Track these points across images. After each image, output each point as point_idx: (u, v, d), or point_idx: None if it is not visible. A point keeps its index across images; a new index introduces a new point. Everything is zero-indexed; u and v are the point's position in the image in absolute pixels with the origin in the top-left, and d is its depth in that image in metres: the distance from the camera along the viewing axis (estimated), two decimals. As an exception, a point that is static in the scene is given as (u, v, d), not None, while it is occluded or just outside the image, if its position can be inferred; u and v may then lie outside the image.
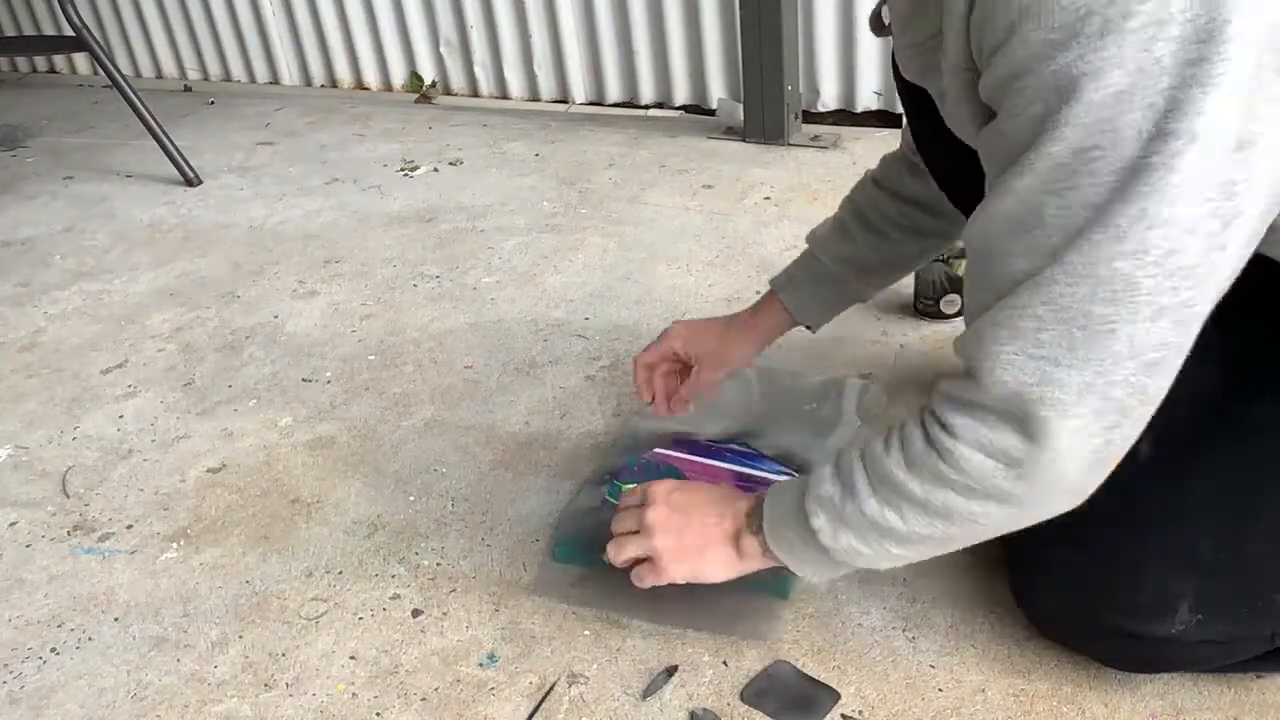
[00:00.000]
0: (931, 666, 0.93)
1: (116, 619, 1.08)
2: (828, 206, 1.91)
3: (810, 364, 1.36)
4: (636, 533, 0.92)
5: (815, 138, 2.21)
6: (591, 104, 2.66)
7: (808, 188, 1.98)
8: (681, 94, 2.53)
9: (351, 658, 1.00)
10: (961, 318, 1.43)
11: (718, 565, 0.89)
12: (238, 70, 3.15)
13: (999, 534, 0.75)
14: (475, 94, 2.82)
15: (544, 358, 1.49)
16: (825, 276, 1.10)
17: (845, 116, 2.35)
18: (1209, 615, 0.78)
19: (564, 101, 2.69)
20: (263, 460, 1.32)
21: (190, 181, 2.33)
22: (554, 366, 1.46)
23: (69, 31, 2.37)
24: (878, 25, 0.84)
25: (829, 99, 2.35)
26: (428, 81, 2.85)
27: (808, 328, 1.13)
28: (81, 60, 3.38)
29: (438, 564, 1.11)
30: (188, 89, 3.17)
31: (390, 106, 2.79)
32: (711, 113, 2.47)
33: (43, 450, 1.40)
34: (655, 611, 1.00)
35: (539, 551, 1.11)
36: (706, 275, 1.68)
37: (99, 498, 1.28)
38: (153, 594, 1.11)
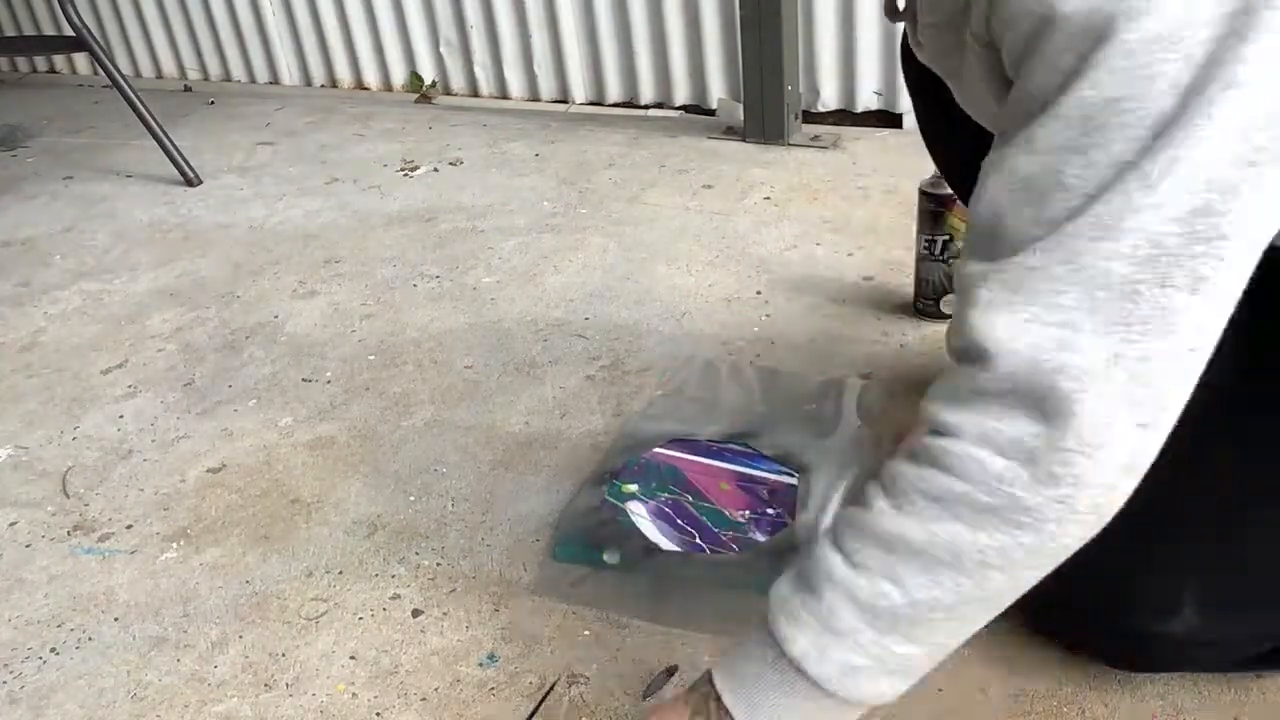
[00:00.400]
0: (931, 666, 0.93)
1: (116, 619, 1.08)
2: (828, 206, 1.91)
3: (810, 364, 1.36)
4: None
5: (815, 138, 2.21)
6: (591, 104, 2.66)
7: (808, 188, 1.98)
8: (681, 94, 2.53)
9: (351, 658, 1.00)
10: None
11: None
12: (238, 70, 3.15)
13: (1020, 588, 0.62)
14: (475, 94, 2.82)
15: (544, 358, 1.49)
16: None
17: (845, 116, 2.34)
18: (1213, 615, 0.77)
19: (564, 101, 2.69)
20: (263, 460, 1.32)
21: (190, 181, 2.33)
22: (554, 366, 1.46)
23: (69, 31, 2.37)
24: (892, 10, 0.81)
25: (829, 99, 2.35)
26: (428, 81, 2.85)
27: None
28: (81, 60, 3.38)
29: (438, 564, 1.11)
30: (188, 89, 3.17)
31: (390, 106, 2.79)
32: (711, 113, 2.47)
33: (43, 450, 1.40)
34: (655, 611, 1.00)
35: (539, 551, 1.11)
36: (706, 275, 1.68)
37: (99, 498, 1.28)
38: (153, 594, 1.11)
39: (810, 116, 2.33)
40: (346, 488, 1.25)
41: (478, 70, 2.77)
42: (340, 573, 1.11)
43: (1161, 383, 0.56)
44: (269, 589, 1.10)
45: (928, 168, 1.23)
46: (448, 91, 2.85)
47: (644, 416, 1.29)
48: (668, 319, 1.56)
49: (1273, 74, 0.52)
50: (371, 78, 2.95)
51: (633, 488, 1.13)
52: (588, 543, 1.07)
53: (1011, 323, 0.57)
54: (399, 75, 2.90)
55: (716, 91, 2.47)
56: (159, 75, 3.29)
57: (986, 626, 0.95)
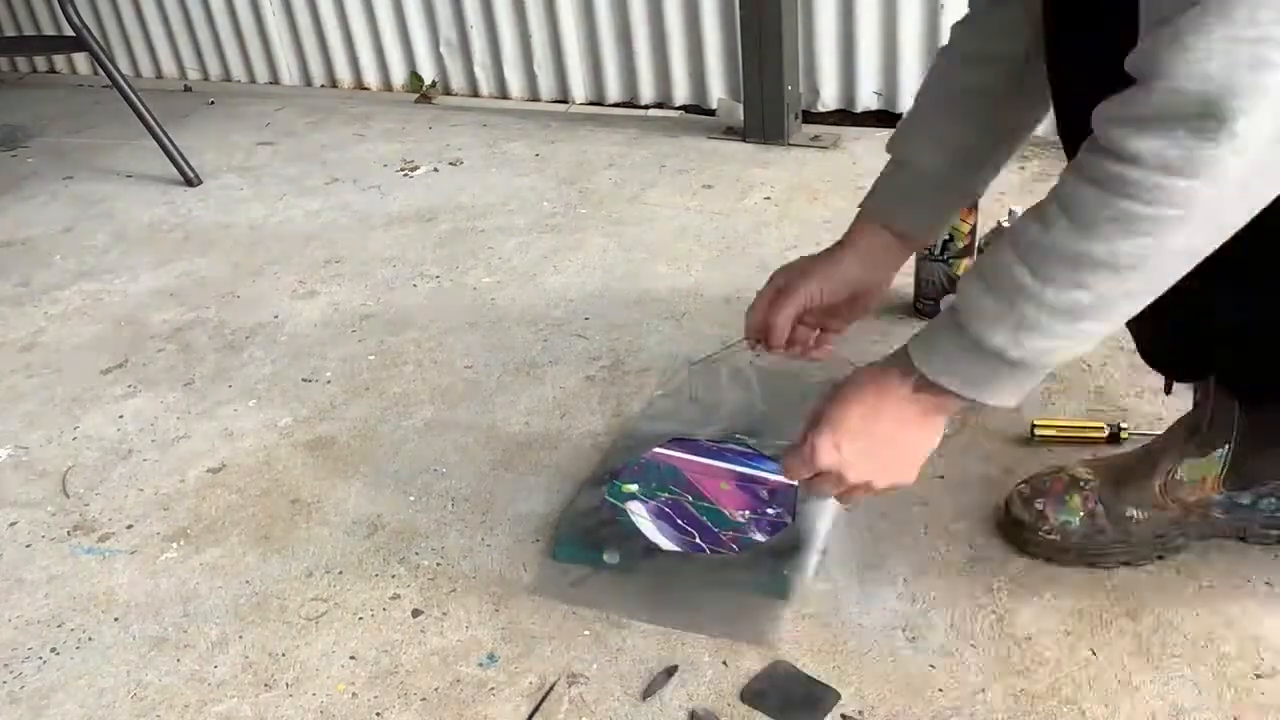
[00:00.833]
0: (931, 666, 0.93)
1: (116, 619, 1.08)
2: (828, 206, 1.91)
3: (810, 364, 1.35)
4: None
5: (815, 138, 2.21)
6: (591, 104, 2.66)
7: (808, 188, 1.98)
8: (681, 94, 2.53)
9: (351, 658, 1.00)
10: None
11: (933, 439, 0.83)
12: (238, 70, 3.15)
13: (1201, 254, 0.66)
14: (475, 94, 2.82)
15: (544, 358, 1.49)
16: (914, 176, 0.99)
17: (845, 116, 2.34)
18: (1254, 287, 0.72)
19: (564, 101, 2.69)
20: (263, 460, 1.32)
21: (190, 181, 2.33)
22: (554, 366, 1.46)
23: (69, 31, 2.37)
24: None
25: (829, 99, 2.35)
26: (428, 81, 2.85)
27: (919, 244, 1.00)
28: (81, 60, 3.38)
29: (438, 564, 1.11)
30: (188, 89, 3.17)
31: (390, 106, 2.79)
32: (711, 113, 2.47)
33: (43, 450, 1.40)
34: (655, 612, 1.00)
35: (539, 551, 1.11)
36: (706, 275, 1.68)
37: (99, 498, 1.28)
38: (153, 594, 1.11)
39: (810, 116, 2.33)
40: (346, 488, 1.25)
41: (478, 70, 2.77)
42: (340, 573, 1.11)
43: None
44: (269, 589, 1.10)
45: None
46: (448, 91, 2.85)
47: (644, 416, 1.29)
48: (668, 319, 1.56)
49: None
50: (371, 78, 2.95)
51: (633, 488, 1.13)
52: (588, 543, 1.07)
53: (1204, 46, 0.57)
54: (399, 75, 2.90)
55: (716, 91, 2.47)
56: (159, 75, 3.29)
57: (987, 626, 0.95)
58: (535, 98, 2.73)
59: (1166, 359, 0.92)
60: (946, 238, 1.37)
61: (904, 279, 1.51)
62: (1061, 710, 0.87)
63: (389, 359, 1.54)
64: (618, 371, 1.43)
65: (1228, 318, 0.79)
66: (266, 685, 0.98)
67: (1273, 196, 0.62)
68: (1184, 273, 0.66)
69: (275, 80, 3.11)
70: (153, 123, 2.31)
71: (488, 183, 2.18)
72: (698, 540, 1.06)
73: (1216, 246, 0.64)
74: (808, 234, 1.78)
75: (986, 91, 0.95)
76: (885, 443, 0.82)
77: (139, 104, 2.31)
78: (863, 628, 0.97)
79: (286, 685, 0.98)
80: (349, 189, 2.23)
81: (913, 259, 1.44)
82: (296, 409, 1.43)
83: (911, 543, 1.06)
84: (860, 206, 1.03)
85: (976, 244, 1.43)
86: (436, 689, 0.96)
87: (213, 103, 2.98)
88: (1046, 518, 0.99)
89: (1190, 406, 1.00)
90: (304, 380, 1.50)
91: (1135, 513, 0.98)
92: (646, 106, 2.57)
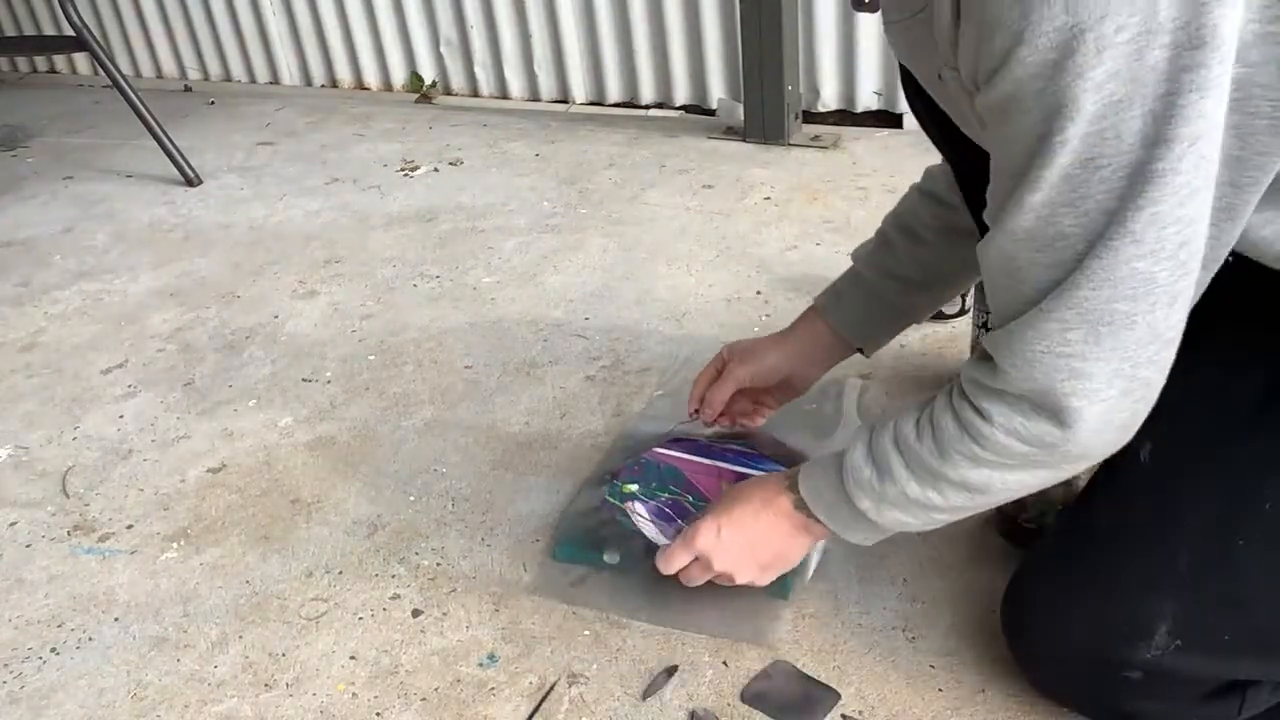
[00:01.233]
0: (931, 666, 0.93)
1: (116, 619, 1.08)
2: (828, 206, 1.91)
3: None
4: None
5: (815, 138, 2.21)
6: (592, 104, 2.66)
7: (808, 188, 1.98)
8: (682, 94, 2.53)
9: (351, 658, 1.00)
10: (960, 318, 1.44)
11: (796, 555, 0.93)
12: (238, 70, 3.15)
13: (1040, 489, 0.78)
14: (475, 94, 2.82)
15: (544, 358, 1.49)
16: (866, 289, 1.07)
17: (845, 116, 2.35)
18: (1188, 641, 0.75)
19: (564, 101, 2.69)
20: (263, 460, 1.32)
21: (190, 181, 2.33)
22: (554, 366, 1.46)
23: (69, 31, 2.37)
24: (858, 1, 0.84)
25: (829, 99, 2.35)
26: (428, 81, 2.85)
27: (860, 351, 1.10)
28: (82, 60, 3.38)
29: (438, 564, 1.11)
30: (188, 89, 3.17)
31: (390, 106, 2.79)
32: (712, 113, 2.47)
33: (43, 450, 1.40)
34: (655, 612, 1.00)
35: (539, 552, 1.11)
36: (706, 275, 1.68)
37: (99, 498, 1.28)
38: (153, 594, 1.11)
39: (810, 116, 2.33)
40: (346, 488, 1.25)
41: (478, 70, 2.77)
42: (340, 573, 1.11)
43: (1150, 374, 0.67)
44: (269, 589, 1.10)
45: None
46: (448, 91, 2.85)
47: (644, 417, 1.29)
48: (668, 319, 1.56)
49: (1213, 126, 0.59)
50: (372, 78, 2.95)
51: (633, 488, 1.13)
52: (588, 543, 1.07)
53: (1029, 353, 0.68)
54: (399, 75, 2.90)
55: (716, 91, 2.47)
56: (159, 75, 3.29)
57: (987, 626, 0.95)
58: (535, 98, 2.73)
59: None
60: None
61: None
62: (1061, 711, 0.87)
63: (389, 359, 1.54)
64: (618, 371, 1.43)
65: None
66: (266, 685, 0.98)
67: (1103, 457, 0.73)
68: (1027, 493, 0.77)
69: (275, 80, 3.11)
70: (153, 123, 2.31)
71: (488, 183, 2.18)
72: (698, 540, 1.06)
73: (1056, 481, 0.76)
74: (807, 234, 1.78)
75: (927, 225, 1.03)
76: (758, 542, 0.91)
77: (139, 104, 2.31)
78: (862, 627, 0.97)
79: (286, 685, 0.98)
80: (349, 189, 2.23)
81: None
82: (296, 409, 1.43)
83: (911, 543, 1.06)
84: (814, 300, 1.11)
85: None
86: (436, 689, 0.96)
87: (213, 103, 2.98)
88: (1025, 507, 1.01)
89: None
90: (304, 380, 1.50)
91: None
92: (647, 106, 2.57)
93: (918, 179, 1.07)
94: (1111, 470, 0.81)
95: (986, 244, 0.69)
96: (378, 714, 0.94)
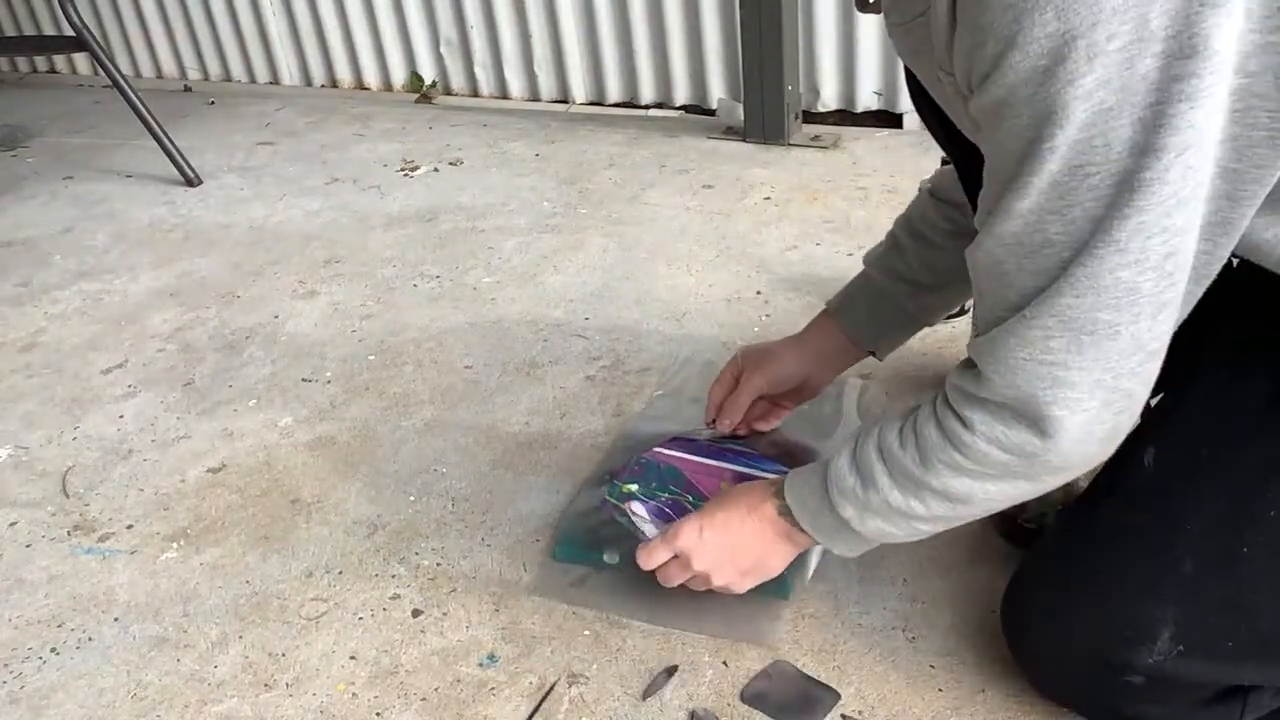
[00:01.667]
0: (931, 666, 0.93)
1: (116, 619, 1.08)
2: (828, 206, 1.91)
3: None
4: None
5: (815, 138, 2.21)
6: (592, 104, 2.66)
7: (808, 188, 1.98)
8: (681, 94, 2.53)
9: (351, 658, 1.00)
10: (960, 317, 1.44)
11: (777, 564, 0.92)
12: (238, 70, 3.15)
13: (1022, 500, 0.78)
14: (475, 94, 2.82)
15: (544, 358, 1.49)
16: (877, 292, 1.07)
17: (845, 116, 2.34)
18: (1190, 646, 0.75)
19: (564, 101, 2.69)
20: (263, 460, 1.32)
21: (190, 181, 2.33)
22: (554, 366, 1.46)
23: (69, 31, 2.37)
24: (862, 2, 0.84)
25: (829, 99, 2.35)
26: (428, 81, 2.85)
27: (872, 354, 1.10)
28: (82, 60, 3.38)
29: (438, 564, 1.11)
30: (188, 89, 3.17)
31: (390, 106, 2.79)
32: (711, 113, 2.47)
33: (43, 450, 1.40)
34: (655, 612, 1.00)
35: (539, 551, 1.11)
36: (706, 275, 1.68)
37: (99, 498, 1.28)
38: (153, 594, 1.11)
39: (810, 116, 2.33)
40: (346, 488, 1.25)
41: (478, 70, 2.77)
42: (340, 573, 1.11)
43: (1133, 386, 0.67)
44: (269, 589, 1.10)
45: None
46: (448, 91, 2.85)
47: (644, 417, 1.29)
48: (668, 319, 1.56)
49: (1216, 129, 0.59)
50: (372, 78, 2.95)
51: (633, 488, 1.13)
52: (588, 543, 1.07)
53: (1011, 360, 0.68)
54: (399, 75, 2.90)
55: (716, 91, 2.47)
56: (159, 75, 3.29)
57: (987, 626, 0.95)
58: (535, 98, 2.73)
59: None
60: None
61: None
62: (1061, 711, 0.87)
63: (389, 359, 1.54)
64: (618, 371, 1.43)
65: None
66: (266, 685, 0.98)
67: (1083, 470, 0.73)
68: (1009, 504, 0.78)
69: (275, 80, 3.11)
70: (153, 123, 2.31)
71: (488, 183, 2.18)
72: (698, 540, 1.06)
73: (1036, 495, 0.76)
74: (807, 234, 1.78)
75: (936, 228, 1.03)
76: (739, 546, 0.91)
77: (139, 104, 2.31)
78: (862, 627, 0.97)
79: (286, 685, 0.98)
80: (349, 189, 2.23)
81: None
82: (296, 409, 1.43)
83: (911, 543, 1.05)
84: (826, 303, 1.12)
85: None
86: (437, 689, 0.96)
87: (213, 103, 2.98)
88: (1025, 507, 1.00)
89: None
90: (304, 380, 1.50)
91: None
92: (647, 106, 2.57)
93: (918, 179, 1.07)
94: (1114, 472, 0.81)
95: (975, 248, 0.70)
96: (378, 714, 0.94)
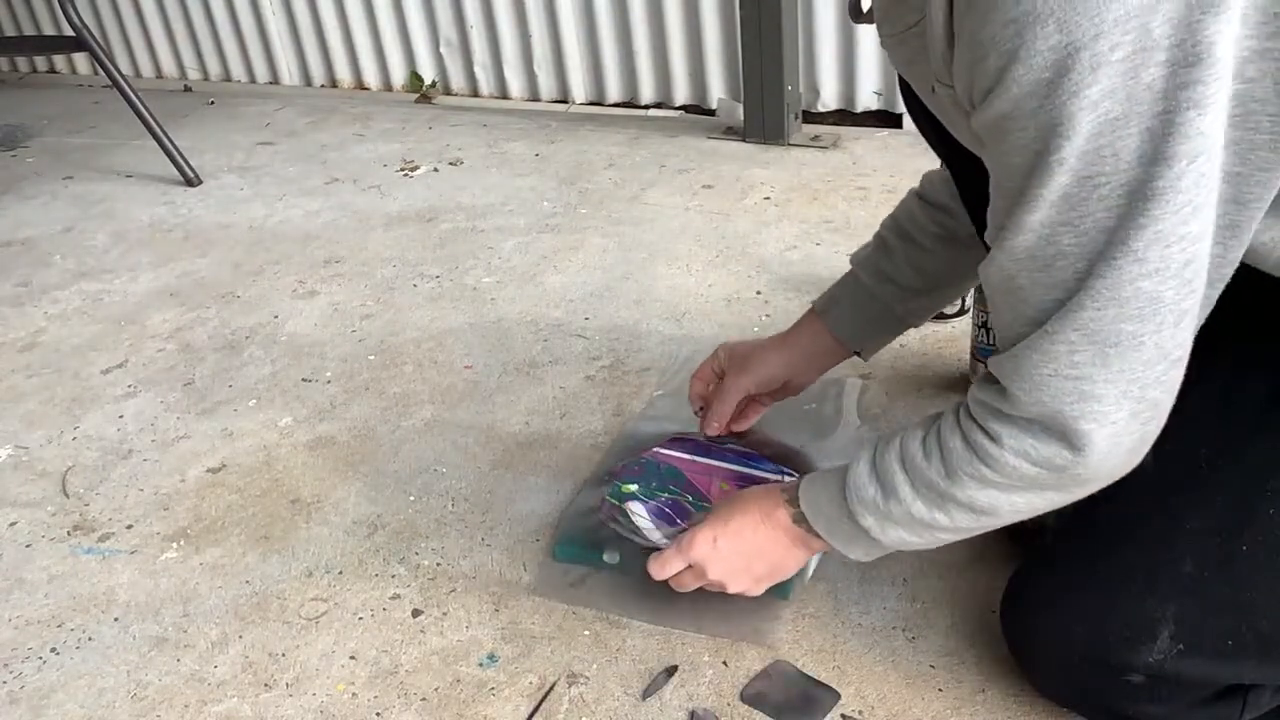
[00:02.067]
0: (931, 666, 0.93)
1: (116, 619, 1.08)
2: (828, 206, 1.91)
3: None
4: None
5: (815, 138, 2.21)
6: (591, 104, 2.66)
7: (808, 188, 1.98)
8: (681, 94, 2.53)
9: (351, 658, 1.00)
10: (959, 317, 1.44)
11: (791, 565, 0.92)
12: (238, 70, 3.15)
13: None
14: (475, 94, 2.82)
15: (544, 358, 1.49)
16: (865, 294, 1.07)
17: (845, 116, 2.35)
18: (1190, 645, 0.75)
19: (564, 101, 2.69)
20: (263, 460, 1.32)
21: (190, 181, 2.33)
22: (554, 366, 1.46)
23: (69, 31, 2.37)
24: (856, 12, 0.84)
25: (829, 99, 2.35)
26: (428, 81, 2.85)
27: (857, 354, 1.10)
28: (81, 60, 3.38)
29: (438, 564, 1.11)
30: (188, 89, 3.17)
31: (390, 106, 2.79)
32: (711, 113, 2.47)
33: (43, 450, 1.40)
34: (655, 612, 1.00)
35: (539, 551, 1.11)
36: (706, 275, 1.68)
37: (99, 498, 1.28)
38: (152, 594, 1.11)
39: (810, 116, 2.33)
40: (346, 488, 1.25)
41: (478, 70, 2.77)
42: (340, 573, 1.11)
43: (1159, 395, 0.67)
44: (269, 589, 1.10)
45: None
46: (448, 91, 2.85)
47: (644, 417, 1.29)
48: (668, 319, 1.56)
49: (1215, 132, 0.58)
50: (371, 78, 2.95)
51: (632, 487, 1.13)
52: (588, 543, 1.07)
53: (1036, 377, 0.67)
54: (399, 75, 2.91)
55: (716, 91, 2.47)
56: (159, 75, 3.29)
57: (987, 626, 0.95)
58: (535, 98, 2.73)
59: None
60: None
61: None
62: (1061, 711, 0.87)
63: (389, 359, 1.54)
64: (618, 371, 1.43)
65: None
66: (266, 685, 0.98)
67: (1111, 481, 0.72)
68: (1035, 515, 0.76)
69: (275, 80, 3.11)
70: (153, 123, 2.31)
71: (488, 183, 2.18)
72: (698, 540, 1.06)
73: (1061, 505, 0.75)
74: (807, 234, 1.78)
75: (926, 231, 1.03)
76: (753, 553, 0.90)
77: (139, 104, 2.31)
78: (862, 627, 0.97)
79: (286, 685, 0.98)
80: (349, 189, 2.23)
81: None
82: (296, 409, 1.43)
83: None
84: (812, 303, 1.11)
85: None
86: (436, 689, 0.96)
87: (213, 103, 2.98)
88: None
89: None
90: (304, 380, 1.50)
91: None
92: (646, 106, 2.57)
93: (918, 179, 1.07)
94: None
95: (988, 264, 0.69)
96: (378, 714, 0.94)
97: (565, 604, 1.03)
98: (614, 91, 2.62)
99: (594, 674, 0.95)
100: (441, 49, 2.80)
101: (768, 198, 1.95)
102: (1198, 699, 0.78)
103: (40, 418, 1.47)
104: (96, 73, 3.12)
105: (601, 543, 1.06)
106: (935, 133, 0.81)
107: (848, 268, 1.09)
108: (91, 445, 1.40)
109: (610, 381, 1.41)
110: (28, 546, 1.21)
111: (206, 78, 3.22)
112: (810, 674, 0.93)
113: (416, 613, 1.05)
